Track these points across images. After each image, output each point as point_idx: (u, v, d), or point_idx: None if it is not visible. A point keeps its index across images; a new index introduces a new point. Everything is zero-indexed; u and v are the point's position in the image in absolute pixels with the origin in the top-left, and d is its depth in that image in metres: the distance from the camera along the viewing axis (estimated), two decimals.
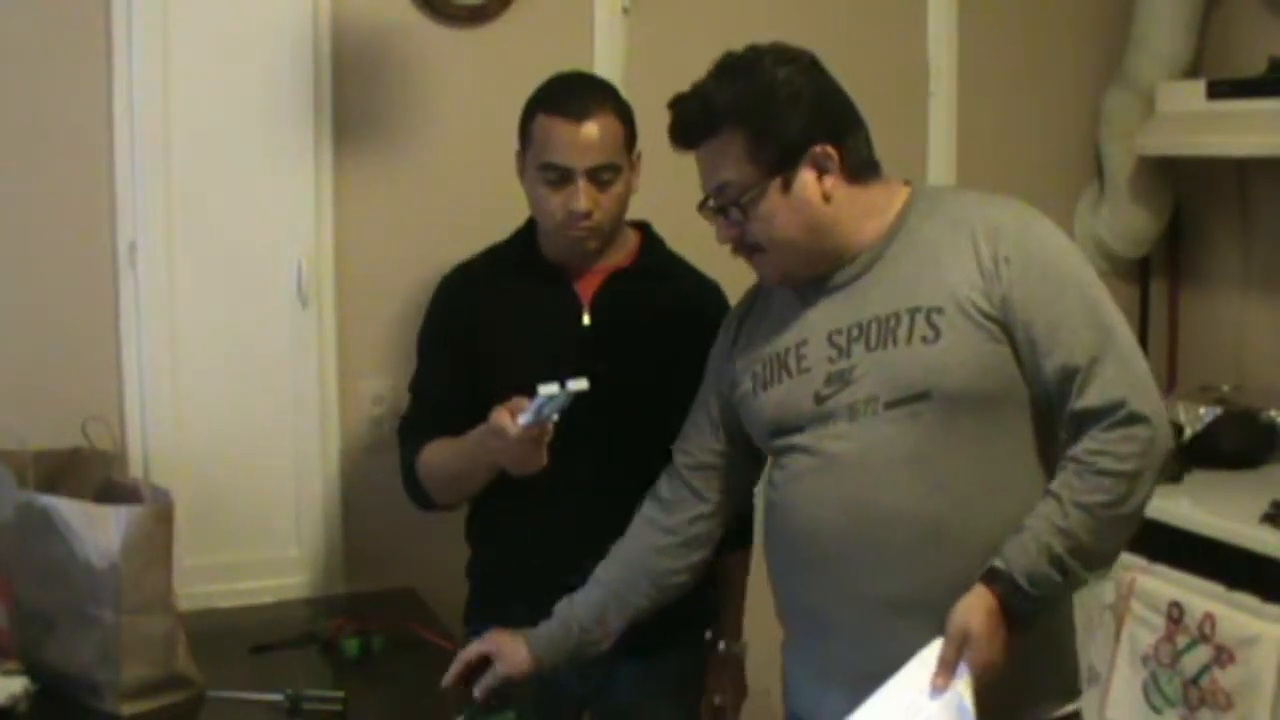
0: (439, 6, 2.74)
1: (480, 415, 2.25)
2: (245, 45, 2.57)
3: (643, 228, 2.33)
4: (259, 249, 2.61)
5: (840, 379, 1.78)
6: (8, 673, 2.03)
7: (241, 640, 2.32)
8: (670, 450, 2.05)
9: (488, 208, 2.50)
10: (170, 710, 2.04)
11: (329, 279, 2.68)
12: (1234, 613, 2.56)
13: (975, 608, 1.65)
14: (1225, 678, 2.55)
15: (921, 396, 1.72)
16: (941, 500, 1.72)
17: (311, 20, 2.61)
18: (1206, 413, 3.01)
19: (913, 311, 1.74)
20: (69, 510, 2.01)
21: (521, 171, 2.23)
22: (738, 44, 3.00)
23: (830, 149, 1.77)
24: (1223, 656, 2.55)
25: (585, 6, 2.88)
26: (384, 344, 2.73)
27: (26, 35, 2.46)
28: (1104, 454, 1.67)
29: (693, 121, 1.80)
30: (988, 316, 1.72)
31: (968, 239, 1.75)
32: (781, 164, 1.76)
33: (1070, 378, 1.70)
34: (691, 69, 2.95)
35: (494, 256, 2.33)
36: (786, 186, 1.76)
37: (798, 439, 1.82)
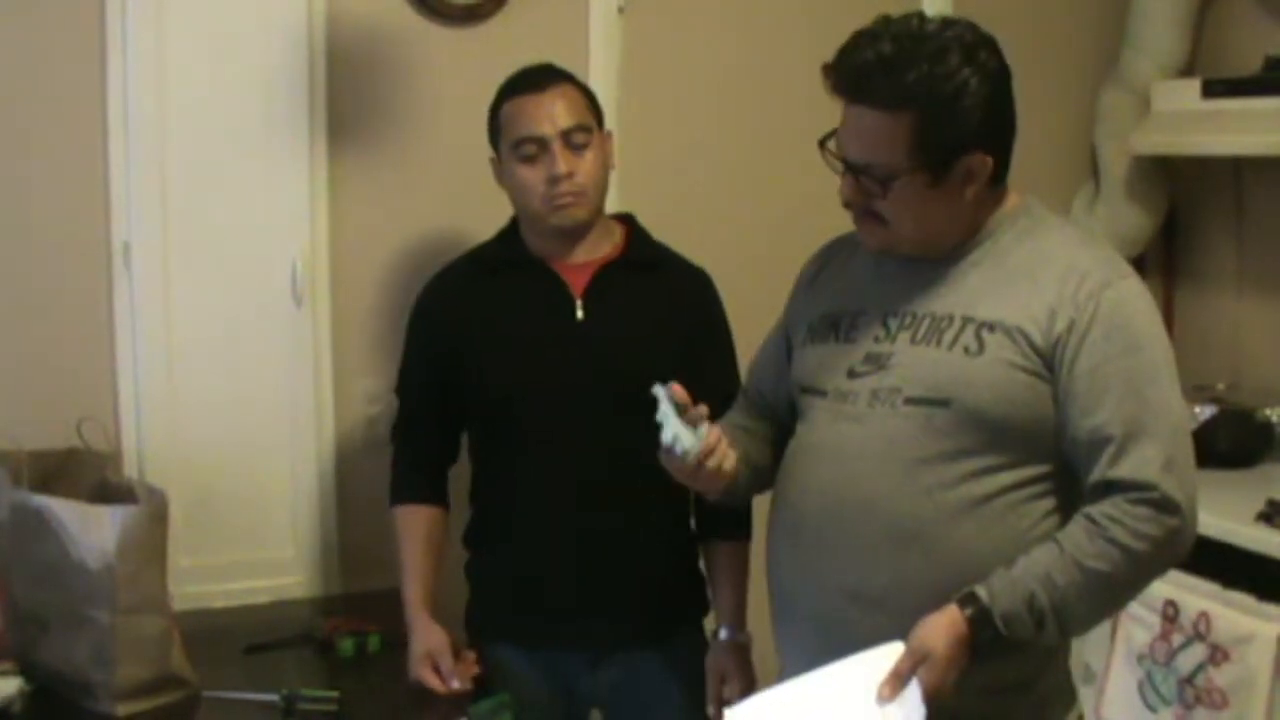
0: (434, 5, 2.73)
1: (470, 413, 2.25)
2: (239, 44, 2.56)
3: (627, 220, 2.34)
4: (253, 248, 2.61)
5: (875, 361, 1.78)
6: (3, 673, 2.03)
7: (237, 640, 2.32)
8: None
9: (482, 206, 2.48)
10: (165, 710, 2.04)
11: (324, 278, 2.68)
12: (1229, 611, 2.56)
13: (943, 631, 1.61)
14: (1220, 676, 2.55)
15: (942, 403, 1.71)
16: (926, 506, 1.70)
17: (306, 19, 2.60)
18: (1201, 411, 3.00)
19: (966, 321, 1.73)
20: (64, 511, 2.01)
21: (499, 173, 2.25)
22: (733, 43, 3.05)
23: (987, 159, 1.72)
24: (1218, 655, 2.55)
25: (580, 5, 2.88)
26: (379, 343, 2.73)
27: (20, 35, 2.45)
28: (1120, 524, 1.62)
29: (872, 83, 1.68)
30: (1036, 351, 1.69)
31: (1049, 275, 1.71)
32: (939, 163, 1.70)
33: (1100, 444, 1.65)
34: (687, 68, 3.00)
35: (477, 257, 2.33)
36: (934, 183, 1.71)
37: (818, 403, 1.83)
